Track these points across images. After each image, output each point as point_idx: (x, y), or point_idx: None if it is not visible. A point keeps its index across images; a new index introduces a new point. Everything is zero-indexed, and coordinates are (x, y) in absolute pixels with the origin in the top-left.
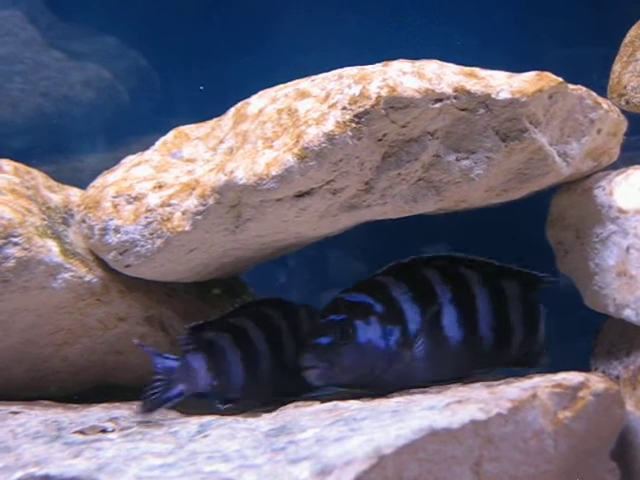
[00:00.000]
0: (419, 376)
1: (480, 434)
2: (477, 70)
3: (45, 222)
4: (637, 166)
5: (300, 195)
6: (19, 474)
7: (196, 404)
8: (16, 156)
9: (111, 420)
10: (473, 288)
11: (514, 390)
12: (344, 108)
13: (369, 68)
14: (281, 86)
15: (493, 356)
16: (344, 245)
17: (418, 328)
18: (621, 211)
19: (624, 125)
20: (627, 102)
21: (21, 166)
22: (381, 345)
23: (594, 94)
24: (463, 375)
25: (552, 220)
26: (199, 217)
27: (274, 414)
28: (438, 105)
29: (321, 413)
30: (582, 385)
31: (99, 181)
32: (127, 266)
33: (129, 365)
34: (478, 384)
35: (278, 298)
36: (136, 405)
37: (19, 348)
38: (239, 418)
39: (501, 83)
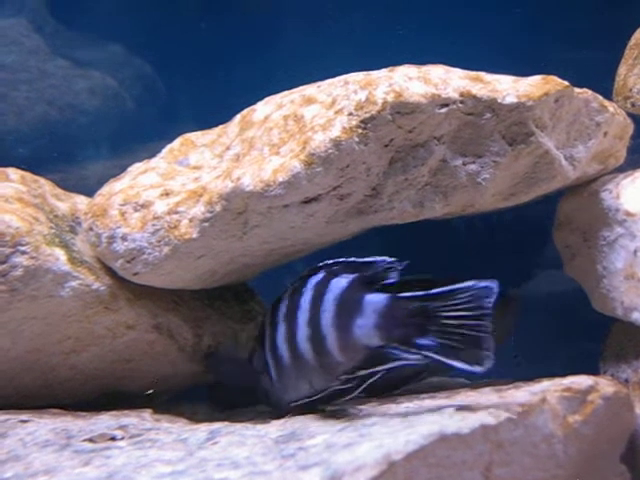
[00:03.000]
0: (287, 397)
1: (490, 439)
2: (483, 74)
3: (53, 230)
4: None
5: (307, 201)
6: None
7: (205, 410)
8: (22, 164)
9: (120, 428)
10: (301, 298)
11: (523, 394)
12: (350, 114)
13: (375, 74)
14: (287, 92)
15: (325, 370)
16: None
17: (267, 351)
18: (628, 214)
19: (630, 128)
20: (633, 105)
21: (28, 174)
22: (257, 370)
23: (600, 97)
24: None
25: (559, 224)
26: (206, 224)
27: (283, 420)
28: (444, 110)
29: (330, 419)
30: (591, 389)
31: (106, 189)
32: (135, 274)
33: (138, 373)
34: (487, 388)
35: None
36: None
37: (27, 357)
38: (248, 425)
39: (507, 87)
